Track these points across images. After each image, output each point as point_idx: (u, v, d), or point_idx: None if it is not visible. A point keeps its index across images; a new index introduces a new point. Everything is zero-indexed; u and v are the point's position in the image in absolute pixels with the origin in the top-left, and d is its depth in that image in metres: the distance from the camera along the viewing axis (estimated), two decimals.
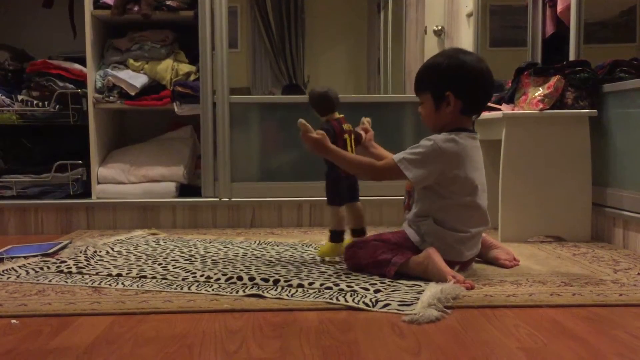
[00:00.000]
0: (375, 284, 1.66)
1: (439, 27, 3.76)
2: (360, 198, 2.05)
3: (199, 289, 1.65)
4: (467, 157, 1.76)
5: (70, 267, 1.90)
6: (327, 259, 2.00)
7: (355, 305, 1.49)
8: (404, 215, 1.92)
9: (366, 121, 2.11)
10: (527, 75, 2.52)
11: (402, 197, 1.98)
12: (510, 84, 2.66)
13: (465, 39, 3.56)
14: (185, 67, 2.96)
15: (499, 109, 2.50)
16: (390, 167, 1.78)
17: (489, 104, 2.59)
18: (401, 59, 3.97)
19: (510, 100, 2.59)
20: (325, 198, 2.01)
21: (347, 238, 2.03)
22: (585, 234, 2.40)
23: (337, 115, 2.01)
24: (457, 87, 1.77)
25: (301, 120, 1.87)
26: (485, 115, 2.54)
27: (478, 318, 1.42)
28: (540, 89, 2.44)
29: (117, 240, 2.43)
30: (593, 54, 2.64)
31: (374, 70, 4.62)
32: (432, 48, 3.78)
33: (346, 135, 1.98)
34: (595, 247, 2.27)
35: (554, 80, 2.41)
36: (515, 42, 3.30)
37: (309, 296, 1.57)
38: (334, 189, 1.99)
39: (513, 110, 2.49)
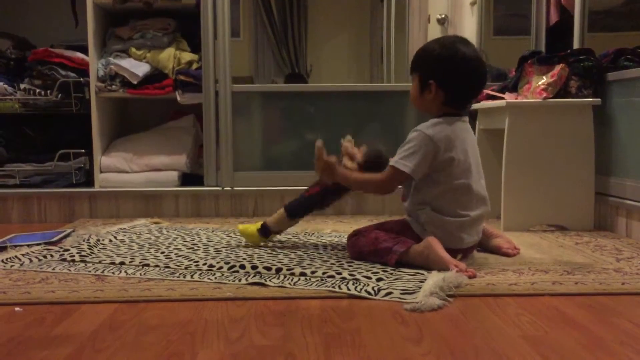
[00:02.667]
0: (378, 272, 1.66)
1: (443, 16, 3.73)
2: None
3: (202, 278, 1.65)
4: (456, 138, 1.77)
5: (74, 256, 1.91)
6: (243, 240, 2.10)
7: (358, 293, 1.50)
8: (403, 206, 1.92)
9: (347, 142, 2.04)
10: (531, 63, 2.51)
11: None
12: (513, 73, 2.65)
13: (468, 27, 3.54)
14: (187, 56, 2.95)
15: (502, 98, 2.49)
16: (391, 174, 1.79)
17: (492, 93, 2.58)
18: (404, 48, 3.96)
19: (513, 88, 2.58)
20: (288, 203, 2.06)
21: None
22: (588, 223, 2.40)
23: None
24: (442, 78, 1.77)
25: (319, 143, 1.91)
26: (489, 103, 2.53)
27: (480, 306, 1.43)
28: (543, 77, 2.43)
29: (120, 228, 2.43)
30: (597, 42, 2.62)
31: (377, 59, 4.60)
32: (435, 37, 3.75)
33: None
34: (598, 236, 2.27)
35: (557, 68, 2.40)
36: (519, 31, 3.28)
37: (311, 284, 1.57)
38: (305, 206, 2.05)
39: (516, 98, 2.48)
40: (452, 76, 1.77)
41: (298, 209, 2.05)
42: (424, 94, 1.80)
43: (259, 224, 2.06)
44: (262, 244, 2.07)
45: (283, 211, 2.05)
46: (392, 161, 1.80)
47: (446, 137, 1.75)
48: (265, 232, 2.06)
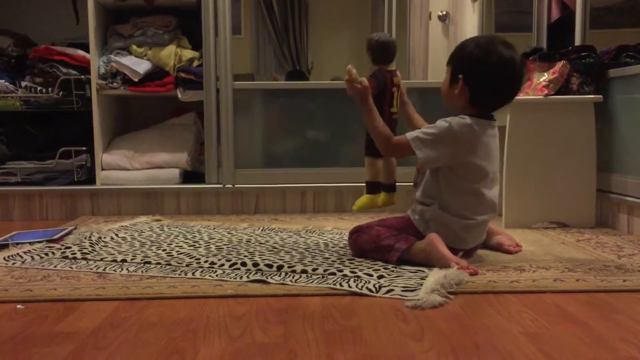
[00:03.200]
0: (379, 269, 1.66)
1: (444, 13, 3.72)
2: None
3: (203, 275, 1.65)
4: (480, 144, 1.74)
5: (75, 253, 1.91)
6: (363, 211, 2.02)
7: (359, 290, 1.50)
8: (413, 192, 1.91)
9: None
10: (532, 60, 2.51)
11: (408, 183, 1.98)
12: None
13: (470, 24, 3.53)
14: (188, 53, 2.95)
15: None
16: (403, 144, 1.77)
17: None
18: (405, 45, 3.95)
19: None
20: (364, 148, 2.00)
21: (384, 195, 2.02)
22: (589, 220, 2.40)
23: (390, 67, 1.99)
24: (471, 74, 1.74)
25: (351, 66, 1.85)
26: None
27: (481, 303, 1.43)
28: (545, 74, 2.42)
29: (122, 226, 2.44)
30: (599, 39, 2.62)
31: None
32: (436, 34, 3.75)
33: (395, 89, 1.96)
34: (600, 233, 2.27)
35: (559, 65, 2.39)
36: (521, 27, 3.27)
37: (312, 282, 1.57)
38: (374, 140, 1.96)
39: (518, 95, 2.47)
40: (481, 74, 1.73)
41: (370, 146, 1.97)
42: (452, 88, 1.78)
43: (363, 193, 2.02)
44: (380, 200, 1.99)
45: (367, 159, 1.99)
46: (411, 135, 1.75)
47: (471, 140, 1.73)
48: (372, 188, 2.00)
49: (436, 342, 1.18)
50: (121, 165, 2.90)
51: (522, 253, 1.91)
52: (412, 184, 1.93)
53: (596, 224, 2.41)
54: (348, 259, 1.80)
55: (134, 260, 1.82)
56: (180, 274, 1.67)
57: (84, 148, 2.89)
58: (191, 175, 2.99)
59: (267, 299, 1.46)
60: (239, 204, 2.88)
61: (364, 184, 2.04)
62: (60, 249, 1.98)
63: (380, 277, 1.59)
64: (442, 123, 1.75)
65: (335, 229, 2.36)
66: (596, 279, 1.60)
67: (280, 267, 1.69)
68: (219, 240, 2.13)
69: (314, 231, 2.32)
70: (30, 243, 2.08)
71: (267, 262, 1.74)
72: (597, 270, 1.69)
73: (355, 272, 1.63)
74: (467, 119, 1.74)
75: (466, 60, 1.75)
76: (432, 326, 1.26)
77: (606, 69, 2.41)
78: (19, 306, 1.42)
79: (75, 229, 2.32)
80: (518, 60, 1.74)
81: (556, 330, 1.24)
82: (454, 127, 1.72)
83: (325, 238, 2.17)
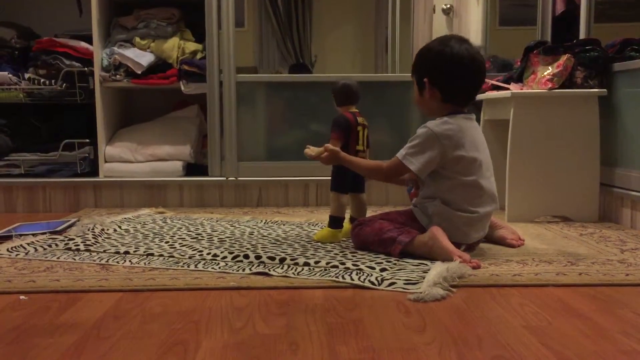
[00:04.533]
0: (381, 262, 1.66)
1: (448, 6, 3.71)
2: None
3: (206, 267, 1.66)
4: (465, 136, 1.76)
5: (78, 245, 1.91)
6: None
7: (361, 283, 1.50)
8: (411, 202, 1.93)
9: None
10: (536, 54, 2.50)
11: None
12: (519, 63, 2.63)
13: (474, 17, 3.52)
14: (191, 46, 2.94)
15: (508, 88, 2.48)
16: (396, 165, 1.81)
17: (497, 84, 2.57)
18: (409, 38, 3.94)
19: (518, 79, 2.57)
20: (330, 183, 2.03)
21: (347, 224, 2.04)
22: (592, 214, 2.39)
23: (353, 108, 2.03)
24: (433, 75, 1.78)
25: (306, 150, 1.95)
26: (494, 94, 2.52)
27: (484, 297, 1.43)
28: (549, 68, 2.42)
29: (125, 218, 2.44)
30: (604, 32, 2.60)
31: (382, 49, 4.58)
32: (440, 27, 3.74)
33: (359, 128, 2.00)
34: (603, 227, 2.27)
35: (563, 59, 2.38)
36: (525, 21, 3.26)
37: (315, 274, 1.57)
38: (339, 176, 2.01)
39: (522, 89, 2.47)
40: (441, 72, 1.77)
41: (336, 182, 2.01)
42: (423, 94, 1.82)
43: (325, 226, 2.03)
44: (341, 234, 2.01)
45: (332, 194, 2.01)
46: (400, 154, 1.80)
47: (454, 135, 1.75)
48: (335, 224, 2.00)
49: (438, 334, 1.18)
50: (124, 158, 2.90)
51: (525, 247, 1.91)
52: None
53: (599, 219, 2.41)
54: (350, 252, 1.80)
55: (137, 252, 1.82)
56: (182, 266, 1.67)
57: (87, 140, 2.90)
58: (194, 167, 2.99)
59: (270, 291, 1.46)
60: (241, 196, 2.89)
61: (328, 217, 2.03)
62: (64, 240, 1.98)
63: (382, 270, 1.59)
64: (421, 130, 1.79)
65: None
66: (599, 272, 1.60)
67: (282, 260, 1.69)
68: (222, 233, 2.13)
69: (317, 224, 2.32)
70: (33, 234, 2.09)
71: (269, 254, 1.74)
72: (600, 264, 1.68)
73: (358, 265, 1.63)
74: (444, 118, 1.79)
75: (426, 63, 1.81)
76: (434, 319, 1.27)
77: (611, 62, 2.40)
78: (22, 297, 1.43)
79: (78, 220, 2.33)
80: (473, 49, 1.78)
81: (558, 324, 1.24)
82: (433, 129, 1.76)
83: None
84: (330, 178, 2.03)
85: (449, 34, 1.89)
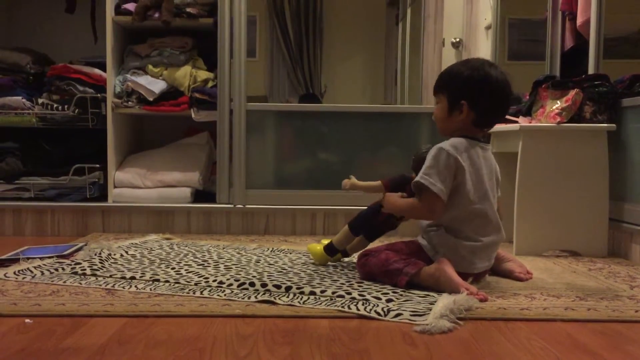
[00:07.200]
0: (388, 293, 1.65)
1: (457, 40, 3.75)
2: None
3: (211, 294, 1.65)
4: (470, 164, 1.76)
5: (85, 269, 1.92)
6: (310, 258, 2.11)
7: (367, 314, 1.49)
8: (418, 223, 1.91)
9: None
10: (545, 88, 2.51)
11: None
12: (527, 97, 2.64)
13: (483, 51, 3.55)
14: (203, 74, 2.98)
15: (516, 122, 2.49)
16: (427, 195, 1.75)
17: (506, 117, 2.58)
18: (419, 70, 3.97)
19: (527, 112, 2.58)
20: (351, 219, 2.04)
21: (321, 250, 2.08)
22: (601, 249, 2.37)
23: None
24: (474, 99, 1.77)
25: (350, 182, 2.00)
26: (502, 127, 2.53)
27: (491, 330, 1.41)
28: (558, 102, 2.42)
29: (132, 243, 2.44)
30: (612, 68, 2.61)
31: (391, 80, 4.62)
32: (449, 60, 3.77)
33: None
34: (612, 262, 2.25)
35: (572, 93, 2.39)
36: (534, 56, 3.28)
37: (320, 304, 1.56)
38: (366, 221, 2.02)
39: (530, 122, 2.47)
40: (484, 97, 1.77)
41: (357, 222, 2.03)
42: (453, 115, 1.80)
43: (325, 242, 2.07)
44: (328, 263, 2.07)
45: (347, 228, 2.04)
46: (423, 181, 1.74)
47: (460, 159, 1.74)
48: (331, 250, 2.05)
49: None
50: (133, 183, 2.92)
51: (533, 281, 1.90)
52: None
53: (608, 254, 2.39)
54: (357, 282, 1.79)
55: (143, 278, 1.82)
56: (188, 293, 1.67)
57: (98, 165, 2.92)
58: (202, 194, 3.00)
59: (275, 320, 1.46)
60: (249, 224, 2.89)
61: (329, 241, 2.06)
62: (70, 264, 1.99)
63: (388, 300, 1.58)
64: (433, 151, 1.78)
65: None
66: (608, 308, 1.58)
67: (288, 288, 1.69)
68: (228, 260, 2.13)
69: None
70: (40, 258, 2.09)
71: (275, 282, 1.73)
72: (609, 300, 1.66)
73: (364, 295, 1.62)
74: (456, 140, 1.79)
75: (465, 84, 1.78)
76: (440, 352, 1.25)
77: (620, 98, 2.40)
78: (27, 320, 1.43)
79: (85, 245, 2.33)
80: (507, 76, 1.81)
81: None
82: (445, 147, 1.76)
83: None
84: (356, 215, 2.04)
85: (472, 59, 1.88)
